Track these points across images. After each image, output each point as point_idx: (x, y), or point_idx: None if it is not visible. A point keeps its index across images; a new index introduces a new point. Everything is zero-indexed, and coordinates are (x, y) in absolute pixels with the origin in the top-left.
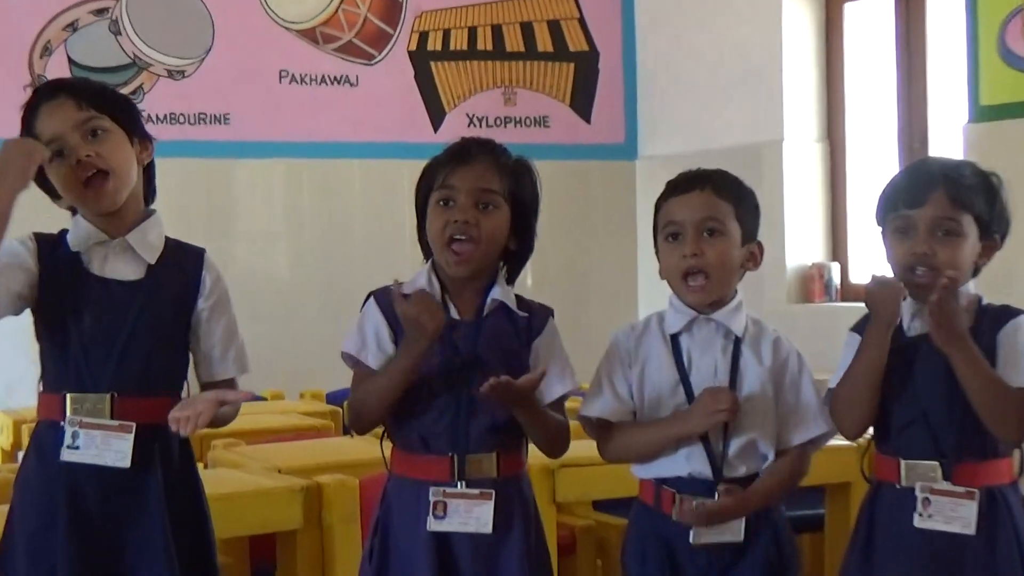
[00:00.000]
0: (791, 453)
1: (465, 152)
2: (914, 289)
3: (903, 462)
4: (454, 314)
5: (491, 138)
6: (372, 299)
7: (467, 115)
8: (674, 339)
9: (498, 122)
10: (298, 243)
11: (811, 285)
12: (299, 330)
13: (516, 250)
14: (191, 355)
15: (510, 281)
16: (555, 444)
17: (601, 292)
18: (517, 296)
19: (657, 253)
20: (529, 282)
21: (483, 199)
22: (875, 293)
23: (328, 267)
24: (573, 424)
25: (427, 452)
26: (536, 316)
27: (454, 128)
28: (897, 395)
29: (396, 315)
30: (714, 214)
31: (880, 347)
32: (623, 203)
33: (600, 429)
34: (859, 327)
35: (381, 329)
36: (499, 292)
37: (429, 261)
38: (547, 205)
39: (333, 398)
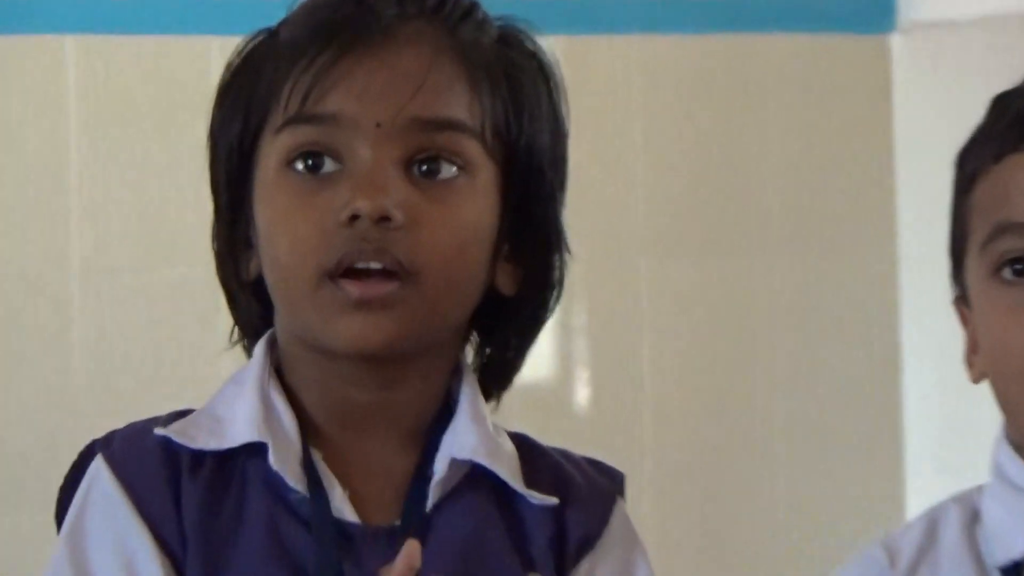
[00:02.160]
0: None
1: (365, 16)
2: None
3: None
4: (345, 512)
5: None
6: (101, 464)
7: None
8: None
9: None
10: None
11: None
12: None
13: (517, 296)
14: None
15: (497, 389)
16: None
17: (792, 398)
18: (519, 440)
19: (964, 299)
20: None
21: (425, 149)
22: None
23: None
24: None
25: None
26: (581, 501)
27: None
28: None
29: (170, 504)
30: None
31: None
32: (864, 147)
33: None
34: None
35: (131, 544)
36: (469, 434)
37: (263, 341)
38: (665, 150)
39: None
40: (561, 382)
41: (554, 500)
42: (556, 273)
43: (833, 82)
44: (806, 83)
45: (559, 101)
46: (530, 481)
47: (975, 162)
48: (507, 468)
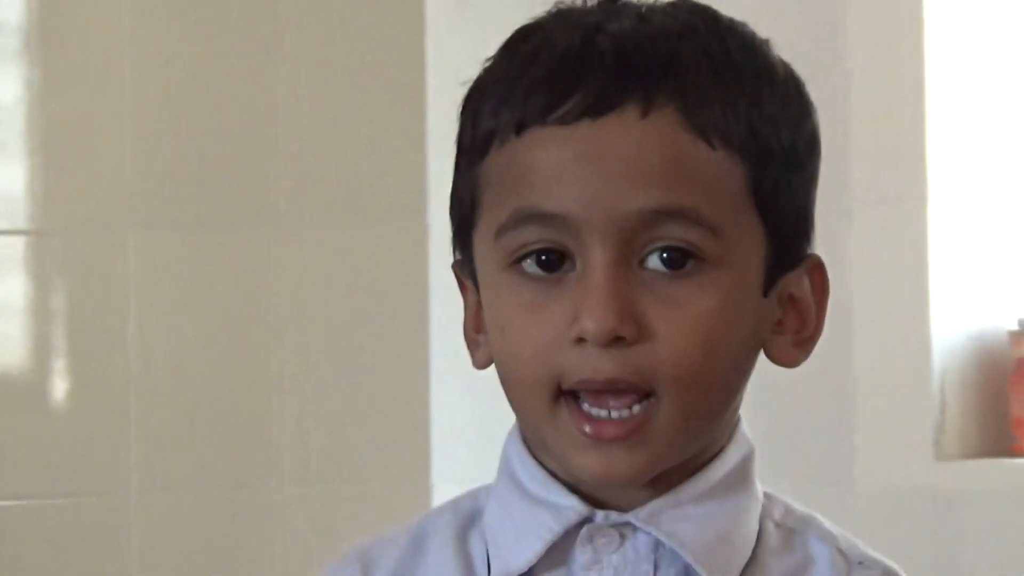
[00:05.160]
0: None
1: None
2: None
3: None
4: None
5: None
6: None
7: None
8: None
9: None
10: None
11: (1023, 401)
12: None
13: None
14: None
15: None
16: None
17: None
18: None
19: (465, 266)
20: None
21: None
22: None
23: None
24: None
25: None
26: None
27: None
28: None
29: None
30: (682, 200)
31: None
32: (394, 96)
33: None
34: None
35: None
36: None
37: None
38: (157, 100)
39: None
40: (35, 373)
41: None
42: None
43: (358, 20)
44: (330, 23)
45: None
46: None
47: (491, 121)
48: None
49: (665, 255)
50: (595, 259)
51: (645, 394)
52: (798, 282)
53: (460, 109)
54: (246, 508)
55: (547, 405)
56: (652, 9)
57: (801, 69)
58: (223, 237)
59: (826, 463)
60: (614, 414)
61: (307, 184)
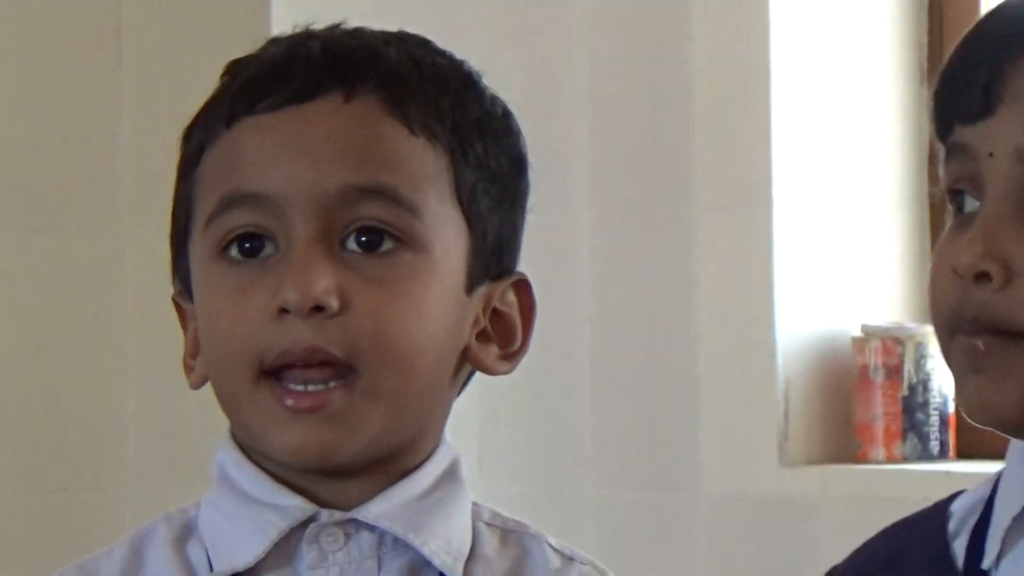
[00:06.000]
0: None
1: None
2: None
3: None
4: None
5: None
6: None
7: None
8: None
9: None
10: None
11: (867, 407)
12: None
13: None
14: None
15: None
16: None
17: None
18: None
19: (185, 293)
20: None
21: None
22: None
23: None
24: None
25: None
26: None
27: None
28: None
29: None
30: (380, 178)
31: None
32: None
33: None
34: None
35: None
36: None
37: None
38: None
39: None
40: None
41: None
42: None
43: (202, 29)
44: (175, 30)
45: None
46: None
47: (204, 133)
48: None
49: (364, 237)
50: (297, 236)
51: (346, 372)
52: (503, 297)
53: (181, 142)
54: (88, 510)
55: (248, 384)
56: (366, 28)
57: (646, 75)
58: (59, 238)
59: (671, 470)
60: (311, 387)
61: (141, 186)
